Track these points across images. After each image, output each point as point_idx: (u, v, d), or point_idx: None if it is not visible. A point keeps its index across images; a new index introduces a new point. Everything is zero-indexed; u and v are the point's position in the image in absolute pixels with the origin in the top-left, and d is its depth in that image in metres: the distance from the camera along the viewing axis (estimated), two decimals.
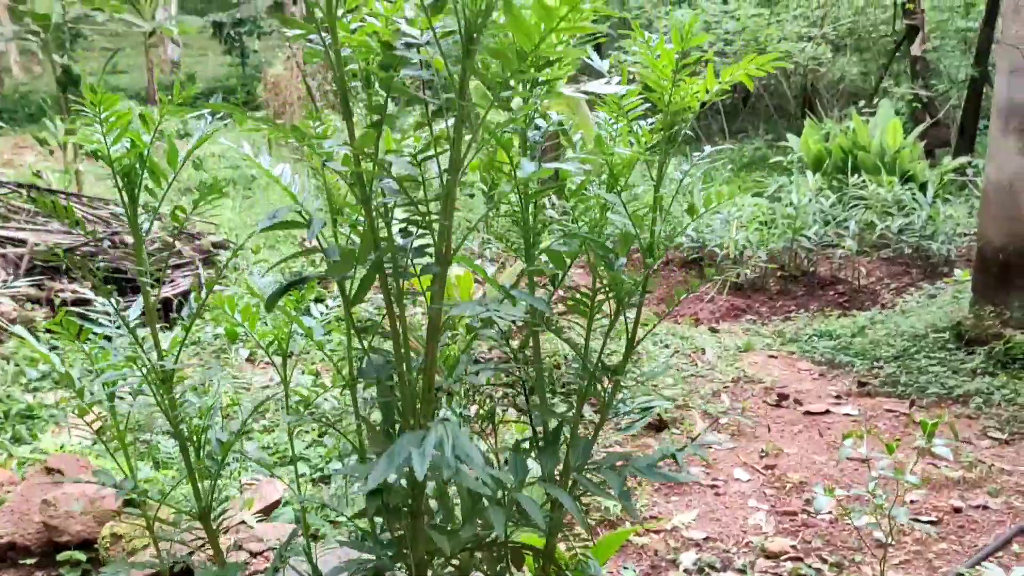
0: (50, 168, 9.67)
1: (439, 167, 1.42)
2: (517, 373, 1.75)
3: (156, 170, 1.60)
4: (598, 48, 9.78)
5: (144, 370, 1.66)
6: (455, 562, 1.66)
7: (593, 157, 1.61)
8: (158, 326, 1.80)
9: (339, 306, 1.85)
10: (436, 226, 1.45)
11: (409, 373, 1.49)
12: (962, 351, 5.07)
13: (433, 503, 1.70)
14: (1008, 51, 5.01)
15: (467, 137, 1.38)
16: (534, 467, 1.73)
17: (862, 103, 11.26)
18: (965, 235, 7.69)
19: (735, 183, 10.38)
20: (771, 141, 13.11)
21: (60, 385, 2.36)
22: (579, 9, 1.16)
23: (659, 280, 7.38)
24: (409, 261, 1.50)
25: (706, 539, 3.35)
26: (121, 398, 1.81)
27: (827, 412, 4.63)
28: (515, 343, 1.82)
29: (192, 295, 1.75)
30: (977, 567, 3.06)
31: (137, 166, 1.58)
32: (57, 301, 5.49)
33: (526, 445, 1.74)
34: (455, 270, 4.36)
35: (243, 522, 2.91)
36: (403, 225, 1.55)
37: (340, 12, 1.39)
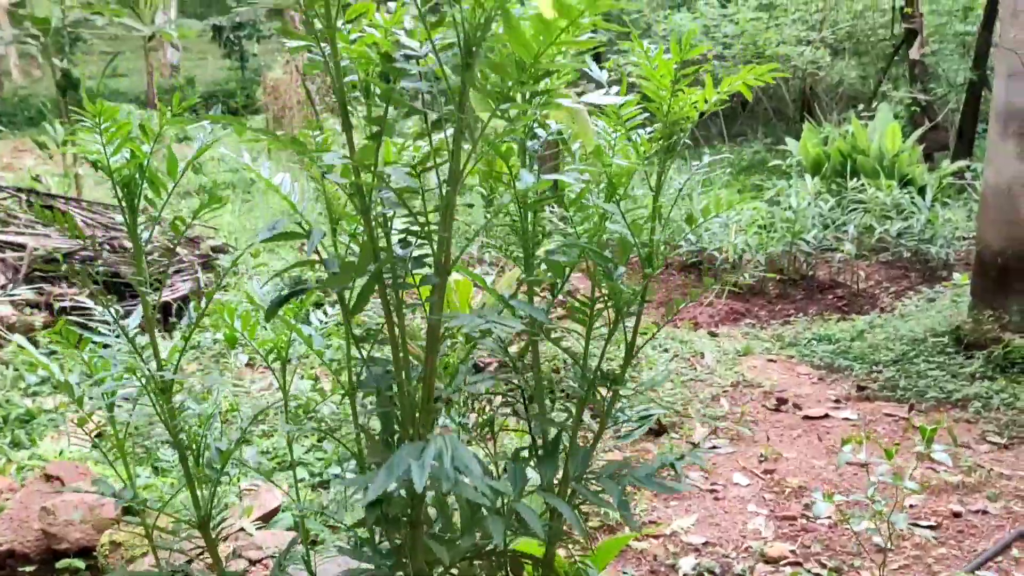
0: (49, 172, 9.68)
1: (438, 177, 1.42)
2: (516, 382, 1.75)
3: (156, 180, 1.60)
4: (597, 56, 9.78)
5: (143, 380, 1.66)
6: (454, 572, 1.67)
7: (593, 169, 1.61)
8: (157, 331, 1.80)
9: (339, 313, 1.85)
10: (435, 236, 1.45)
11: (408, 383, 1.49)
12: (961, 355, 5.07)
13: (432, 511, 1.70)
14: (1006, 55, 5.02)
15: (466, 147, 1.39)
16: (533, 475, 1.74)
17: (861, 107, 11.27)
18: (964, 239, 7.70)
19: (734, 187, 10.39)
20: (770, 145, 13.12)
21: (59, 390, 2.36)
22: (578, 23, 1.16)
23: (658, 284, 7.38)
24: (408, 271, 1.50)
25: (705, 544, 3.35)
26: (119, 405, 1.82)
27: (826, 416, 4.63)
28: (514, 348, 1.82)
29: (192, 304, 1.75)
30: (977, 572, 3.06)
31: (137, 176, 1.58)
32: (56, 307, 5.49)
33: (525, 454, 1.75)
34: (454, 275, 4.35)
35: (242, 529, 2.91)
36: (402, 235, 1.55)
37: (340, 23, 1.40)
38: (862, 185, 8.40)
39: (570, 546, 2.04)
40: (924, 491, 3.62)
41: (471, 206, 7.70)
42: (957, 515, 3.50)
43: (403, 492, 1.47)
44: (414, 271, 1.51)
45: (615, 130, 1.67)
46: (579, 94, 1.63)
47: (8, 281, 5.61)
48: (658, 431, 4.31)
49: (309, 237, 1.36)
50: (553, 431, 1.72)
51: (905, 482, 3.17)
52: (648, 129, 1.69)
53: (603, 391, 1.71)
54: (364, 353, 1.66)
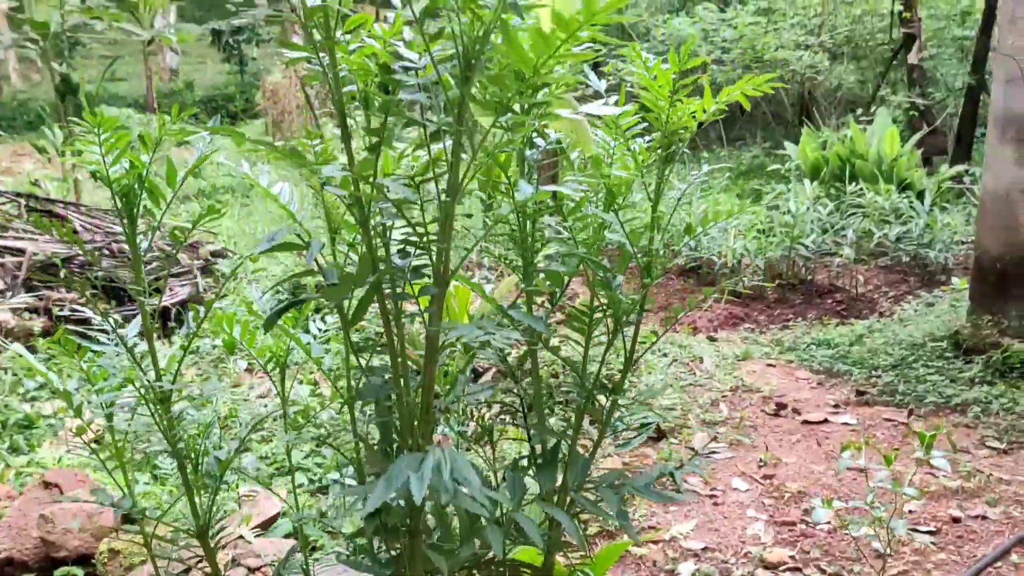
0: (48, 176, 9.67)
1: (437, 188, 1.42)
2: (515, 390, 1.75)
3: (155, 190, 1.60)
4: (596, 61, 9.78)
5: (142, 390, 1.66)
6: None
7: (592, 180, 1.61)
8: (156, 336, 1.80)
9: (338, 323, 1.85)
10: (434, 247, 1.45)
11: (407, 393, 1.49)
12: (960, 360, 5.07)
13: (431, 519, 1.70)
14: (1004, 61, 5.03)
15: (465, 156, 1.39)
16: (533, 484, 1.74)
17: (859, 111, 11.28)
18: (962, 243, 7.70)
19: (733, 191, 10.39)
20: (769, 149, 13.14)
21: (56, 396, 2.36)
22: (576, 37, 1.16)
23: (657, 288, 7.38)
24: (407, 281, 1.50)
25: (704, 549, 3.35)
26: (117, 414, 1.81)
27: (825, 421, 4.63)
28: (513, 352, 1.82)
29: (191, 314, 1.75)
30: None
31: (136, 186, 1.58)
32: (55, 312, 5.49)
33: (524, 463, 1.75)
34: (453, 281, 4.36)
35: (241, 537, 2.91)
36: (401, 246, 1.56)
37: (339, 33, 1.40)
38: (861, 189, 8.41)
39: (569, 554, 2.04)
40: (923, 496, 3.62)
41: (470, 216, 7.70)
42: (956, 520, 3.50)
43: (402, 502, 1.47)
44: (413, 281, 1.51)
45: (614, 139, 1.67)
46: (579, 99, 1.63)
47: (7, 287, 5.60)
48: (657, 436, 4.31)
49: (308, 248, 1.36)
50: (552, 440, 1.72)
51: (904, 488, 3.17)
52: (647, 138, 1.70)
53: (602, 400, 1.71)
54: (363, 362, 1.66)
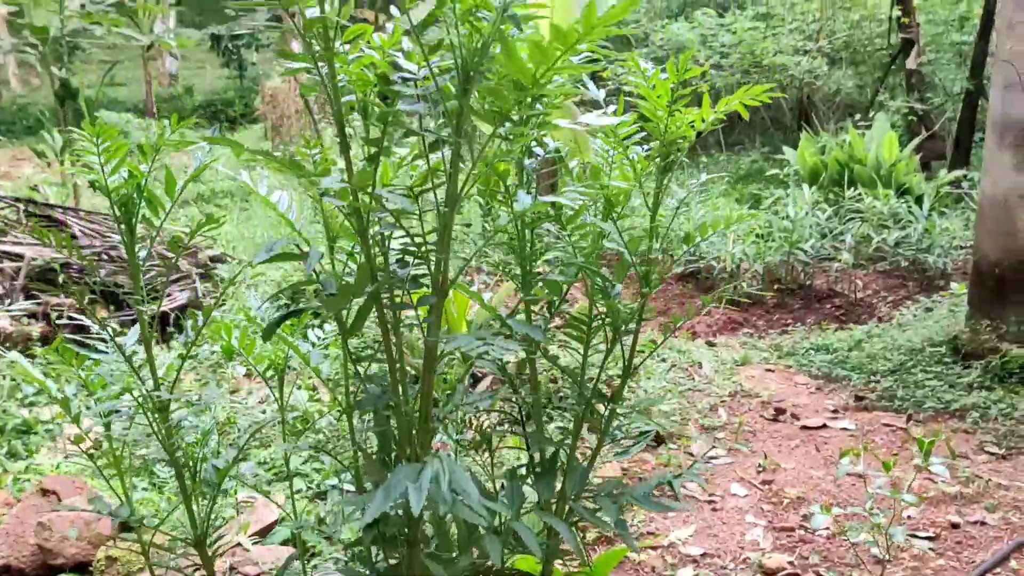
0: (47, 181, 9.67)
1: (436, 198, 1.42)
2: (513, 399, 1.75)
3: (154, 199, 1.60)
4: (594, 74, 9.80)
5: (140, 400, 1.66)
6: None
7: (591, 191, 1.62)
8: (154, 342, 1.80)
9: (336, 329, 1.85)
10: (433, 257, 1.45)
11: (406, 403, 1.49)
12: (959, 365, 5.07)
13: (429, 527, 1.70)
14: (1003, 67, 5.04)
15: (464, 166, 1.39)
16: (532, 492, 1.73)
17: (858, 116, 11.31)
18: (961, 248, 7.71)
19: (731, 196, 10.40)
20: (767, 154, 13.16)
21: (54, 402, 2.35)
22: (575, 49, 1.17)
23: (656, 293, 7.37)
24: (406, 291, 1.50)
25: (703, 555, 3.34)
26: (115, 422, 1.81)
27: (824, 426, 4.63)
28: (512, 360, 1.82)
29: (190, 323, 1.75)
30: None
31: (134, 196, 1.58)
32: (54, 317, 5.49)
33: (523, 471, 1.74)
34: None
35: (239, 544, 2.90)
36: (400, 256, 1.56)
37: (337, 43, 1.40)
38: (859, 194, 8.42)
39: (568, 561, 2.04)
40: (922, 502, 3.62)
41: (469, 225, 7.71)
42: (955, 526, 3.50)
43: (400, 511, 1.47)
44: (412, 290, 1.51)
45: (612, 148, 1.68)
46: (578, 103, 1.63)
47: (6, 292, 5.60)
48: (656, 442, 4.31)
49: (307, 258, 1.36)
50: (551, 449, 1.72)
51: (903, 494, 3.17)
52: (645, 147, 1.70)
53: (601, 408, 1.71)
54: (362, 370, 1.66)
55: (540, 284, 1.69)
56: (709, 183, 10.29)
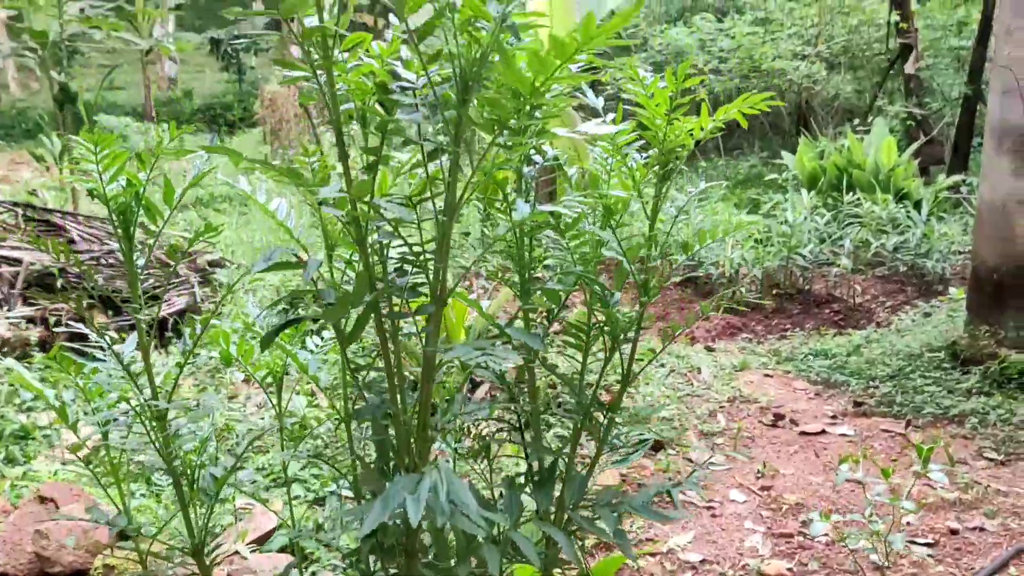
0: (46, 185, 9.66)
1: (434, 206, 1.42)
2: (512, 408, 1.74)
3: (152, 208, 1.60)
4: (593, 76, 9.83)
5: (138, 409, 1.65)
6: None
7: (590, 201, 1.62)
8: (153, 347, 1.79)
9: (334, 337, 1.85)
10: (431, 266, 1.45)
11: (404, 412, 1.49)
12: (957, 370, 5.07)
13: (427, 536, 1.69)
14: (1001, 72, 5.05)
15: (463, 175, 1.39)
16: (531, 501, 1.73)
17: (856, 121, 11.33)
18: (960, 253, 7.71)
19: (730, 200, 10.41)
20: (766, 158, 13.17)
21: (53, 410, 2.34)
22: (574, 59, 1.17)
23: (654, 298, 7.37)
24: (404, 300, 1.50)
25: (702, 562, 3.34)
26: (113, 430, 1.81)
27: (823, 432, 4.63)
28: (511, 366, 1.81)
29: (187, 332, 1.75)
30: None
31: (133, 204, 1.58)
32: (52, 321, 5.48)
33: (521, 480, 1.74)
34: None
35: (237, 552, 2.89)
36: (398, 264, 1.55)
37: (336, 51, 1.40)
38: (858, 199, 8.43)
39: (566, 571, 2.03)
40: (921, 508, 3.62)
41: (467, 234, 7.71)
42: (954, 532, 3.50)
43: (398, 521, 1.46)
44: (410, 299, 1.51)
45: (611, 156, 1.68)
46: (577, 108, 1.63)
47: (4, 296, 5.59)
48: (655, 447, 4.30)
49: (305, 267, 1.36)
50: (549, 458, 1.72)
51: (902, 502, 3.17)
52: (644, 155, 1.70)
53: (599, 417, 1.71)
54: (360, 378, 1.65)
55: (539, 292, 1.69)
56: (708, 188, 10.30)
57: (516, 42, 1.26)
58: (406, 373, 1.57)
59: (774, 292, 7.33)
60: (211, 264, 6.76)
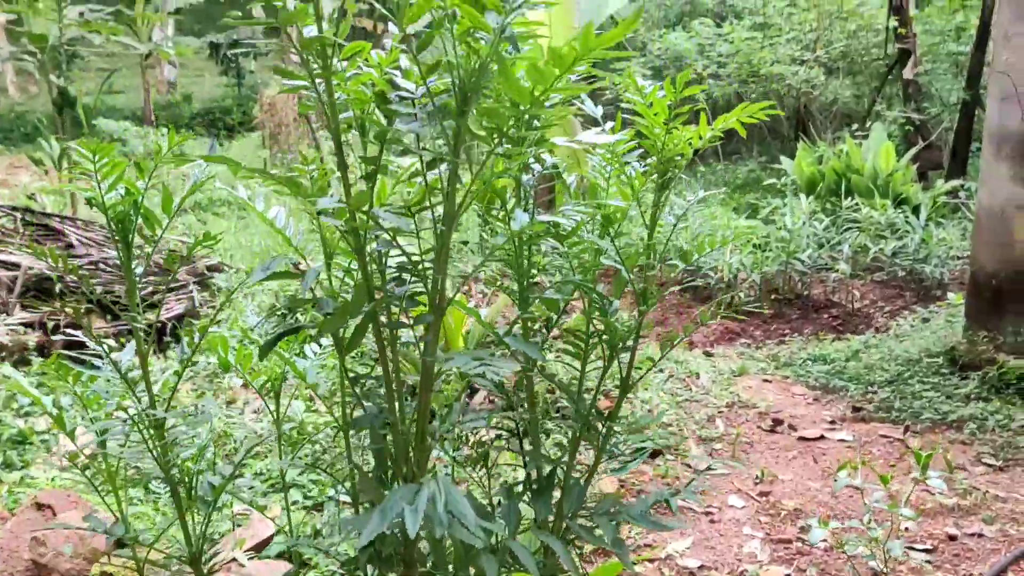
0: (45, 189, 9.66)
1: (433, 215, 1.42)
2: (511, 416, 1.74)
3: (151, 216, 1.60)
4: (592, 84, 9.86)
5: (136, 418, 1.65)
6: None
7: (589, 211, 1.62)
8: (151, 351, 1.79)
9: (333, 344, 1.84)
10: (430, 276, 1.45)
11: (402, 422, 1.48)
12: (956, 376, 5.07)
13: (425, 544, 1.69)
14: (999, 78, 5.06)
15: (462, 183, 1.39)
16: (529, 509, 1.73)
17: (855, 126, 11.34)
18: (958, 258, 7.72)
19: (729, 205, 10.42)
20: (765, 163, 13.19)
21: (50, 416, 2.34)
22: (573, 70, 1.17)
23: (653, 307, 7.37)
24: (403, 309, 1.50)
25: (701, 567, 3.33)
26: (111, 439, 1.80)
27: (821, 438, 4.62)
28: (509, 373, 1.81)
29: (185, 340, 1.75)
30: None
31: (131, 213, 1.58)
32: (50, 325, 5.47)
33: (519, 488, 1.74)
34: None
35: (234, 560, 2.89)
36: (397, 273, 1.55)
37: (335, 60, 1.40)
38: (856, 204, 8.43)
39: None
40: (920, 514, 3.61)
41: (466, 242, 7.69)
42: (953, 538, 3.49)
43: (396, 531, 1.46)
44: (409, 308, 1.51)
45: (610, 164, 1.68)
46: (576, 114, 1.63)
47: (2, 301, 5.59)
48: (653, 453, 4.30)
49: (304, 277, 1.36)
50: (548, 467, 1.72)
51: (900, 508, 3.16)
52: (643, 163, 1.70)
53: (598, 426, 1.71)
54: (359, 387, 1.65)
55: (537, 301, 1.69)
56: (707, 192, 10.31)
57: (515, 52, 1.26)
58: (404, 380, 1.57)
59: (773, 297, 7.33)
60: (209, 268, 6.75)
